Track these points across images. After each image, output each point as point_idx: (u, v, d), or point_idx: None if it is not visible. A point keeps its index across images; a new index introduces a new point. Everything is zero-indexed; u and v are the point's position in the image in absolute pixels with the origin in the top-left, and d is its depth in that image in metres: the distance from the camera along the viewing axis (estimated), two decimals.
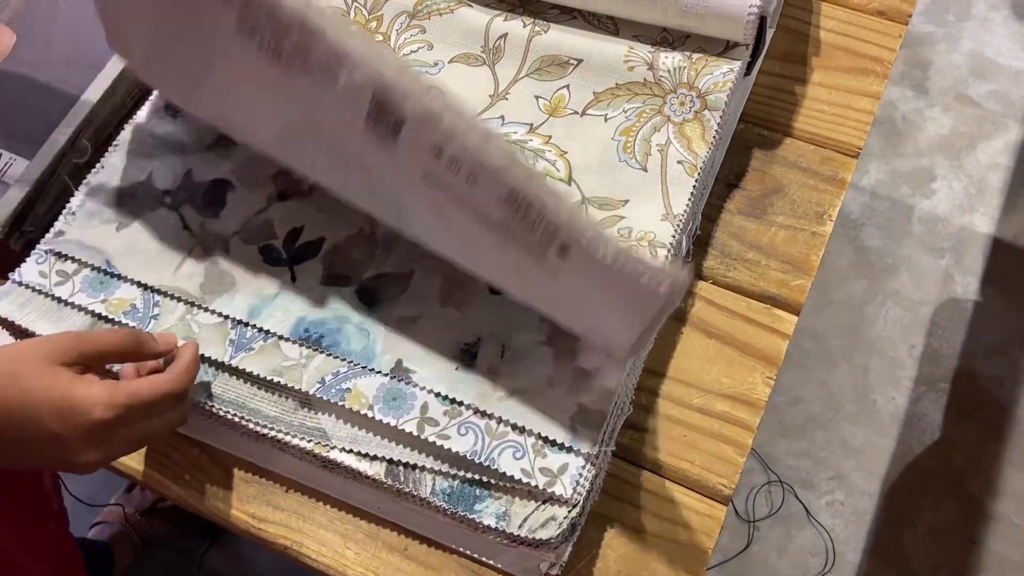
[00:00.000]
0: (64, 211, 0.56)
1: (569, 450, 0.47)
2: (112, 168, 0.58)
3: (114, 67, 0.61)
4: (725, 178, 0.59)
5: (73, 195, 0.60)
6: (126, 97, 0.62)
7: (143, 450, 0.52)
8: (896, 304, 1.36)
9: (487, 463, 0.46)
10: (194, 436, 0.52)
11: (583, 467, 0.47)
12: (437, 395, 0.48)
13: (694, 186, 0.53)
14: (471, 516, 0.46)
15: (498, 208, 0.42)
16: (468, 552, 0.49)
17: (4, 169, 0.58)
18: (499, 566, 0.48)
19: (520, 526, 0.45)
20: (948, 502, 1.22)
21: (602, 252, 0.40)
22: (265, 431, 0.49)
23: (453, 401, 0.48)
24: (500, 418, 0.47)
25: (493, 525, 0.46)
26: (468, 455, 0.47)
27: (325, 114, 0.45)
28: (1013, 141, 1.49)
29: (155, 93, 0.60)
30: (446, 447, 0.47)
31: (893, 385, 1.29)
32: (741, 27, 0.53)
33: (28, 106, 0.60)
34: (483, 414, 0.48)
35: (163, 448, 0.52)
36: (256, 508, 0.51)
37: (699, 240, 0.57)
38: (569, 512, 0.46)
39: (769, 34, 0.60)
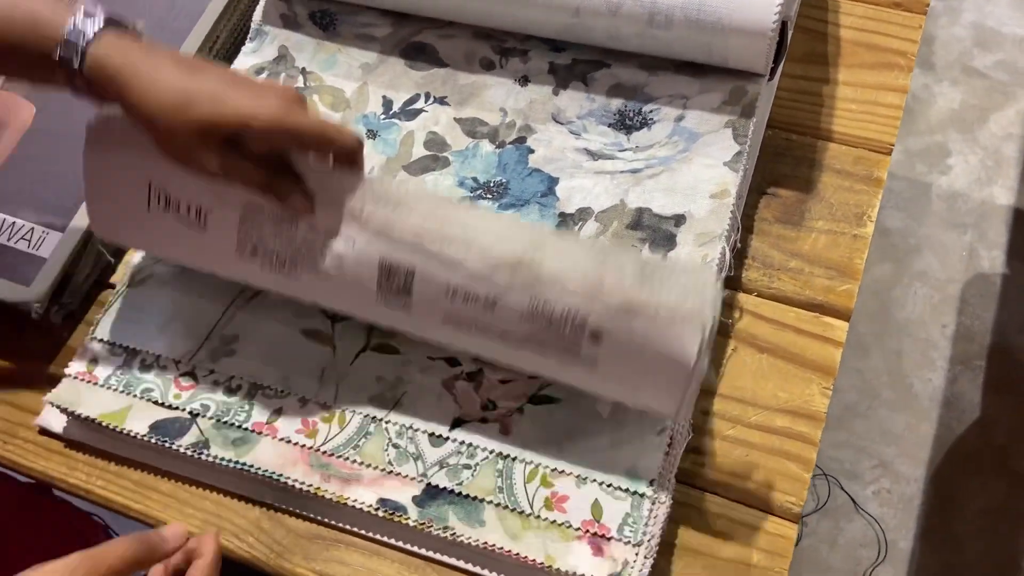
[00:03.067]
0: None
1: (633, 493, 0.48)
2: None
3: None
4: (758, 187, 0.59)
5: (107, 261, 0.60)
6: None
7: (203, 518, 0.52)
8: (923, 284, 1.34)
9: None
10: (254, 496, 0.52)
11: (650, 508, 0.47)
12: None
13: (733, 203, 0.53)
14: (550, 564, 0.46)
15: (522, 324, 0.45)
16: None
17: (38, 244, 0.58)
18: None
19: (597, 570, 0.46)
20: (995, 481, 1.20)
21: (626, 332, 0.44)
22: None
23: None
24: (561, 470, 0.49)
25: (575, 571, 0.46)
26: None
27: (335, 293, 0.49)
28: (1023, 108, 1.48)
29: None
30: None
31: (928, 367, 1.28)
32: (766, 41, 0.53)
33: (54, 176, 0.60)
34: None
35: (223, 513, 0.52)
36: (322, 565, 0.50)
37: (739, 252, 0.57)
38: (638, 552, 0.46)
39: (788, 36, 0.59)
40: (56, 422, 0.55)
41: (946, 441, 1.24)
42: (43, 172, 0.61)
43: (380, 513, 0.49)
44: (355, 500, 0.49)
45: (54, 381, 0.56)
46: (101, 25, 0.46)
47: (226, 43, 0.66)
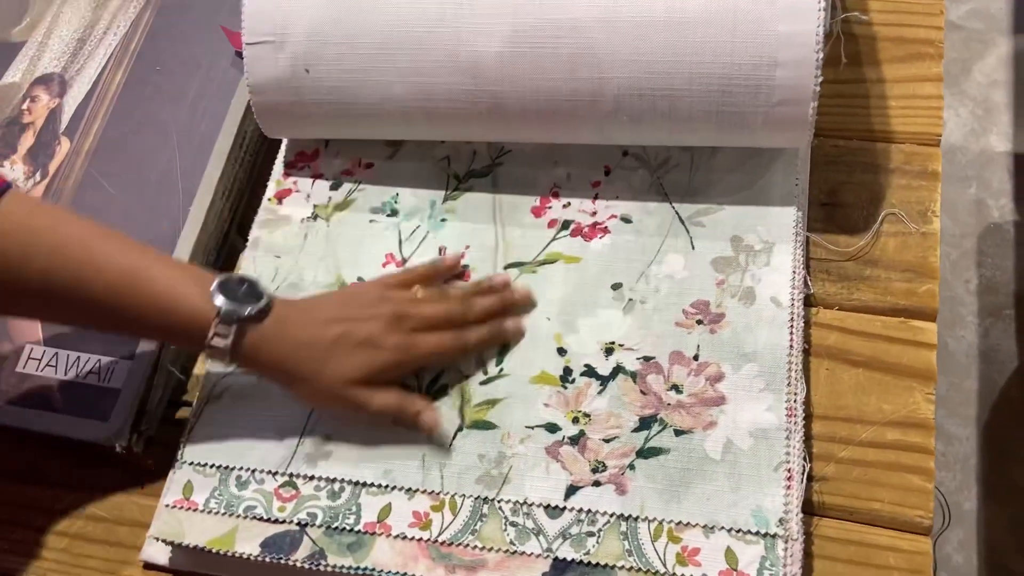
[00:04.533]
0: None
1: (764, 535, 0.47)
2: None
3: (187, 239, 0.60)
4: (817, 199, 0.59)
5: (178, 379, 0.59)
6: (203, 264, 0.61)
7: None
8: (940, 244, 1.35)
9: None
10: None
11: (784, 547, 0.47)
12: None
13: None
14: None
15: None
16: None
17: (107, 376, 0.57)
18: None
19: None
20: None
21: None
22: None
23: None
24: (686, 522, 0.49)
25: None
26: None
27: None
28: (1004, 54, 1.49)
29: None
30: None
31: (959, 324, 1.29)
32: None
33: None
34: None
35: None
36: None
37: (812, 268, 0.56)
38: None
39: None
40: (161, 555, 0.54)
41: (990, 395, 1.24)
42: None
43: None
44: None
45: (147, 512, 0.55)
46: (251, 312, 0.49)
47: (253, 137, 0.65)
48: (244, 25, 0.58)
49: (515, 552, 0.49)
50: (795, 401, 0.51)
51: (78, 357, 0.58)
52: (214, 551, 0.51)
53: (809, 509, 0.50)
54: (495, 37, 0.54)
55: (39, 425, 0.56)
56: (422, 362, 0.53)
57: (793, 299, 0.54)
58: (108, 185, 0.63)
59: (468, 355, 0.55)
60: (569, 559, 0.49)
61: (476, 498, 0.51)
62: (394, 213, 0.61)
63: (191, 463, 0.54)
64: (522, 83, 0.55)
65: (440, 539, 0.50)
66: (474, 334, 0.54)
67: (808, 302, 0.55)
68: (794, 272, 0.54)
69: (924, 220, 0.57)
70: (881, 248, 0.57)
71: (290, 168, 0.64)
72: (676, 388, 0.53)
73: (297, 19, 0.57)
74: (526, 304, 0.56)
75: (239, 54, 0.66)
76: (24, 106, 0.67)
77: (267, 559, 0.51)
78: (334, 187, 0.63)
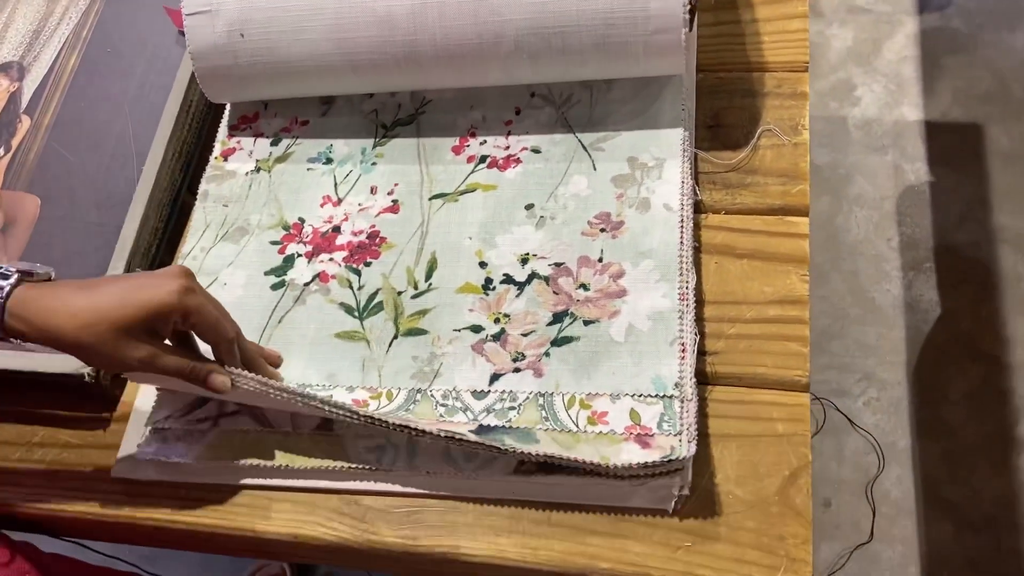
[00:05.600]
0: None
1: (662, 397, 0.54)
2: None
3: (141, 196, 0.66)
4: (703, 122, 0.66)
5: None
6: (157, 220, 0.67)
7: (287, 517, 0.57)
8: (861, 208, 1.44)
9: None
10: (329, 487, 0.57)
11: (680, 406, 0.54)
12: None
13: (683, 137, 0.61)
14: (605, 462, 0.52)
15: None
16: (605, 503, 0.54)
17: None
18: (638, 504, 0.53)
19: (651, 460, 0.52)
20: (970, 366, 1.29)
21: None
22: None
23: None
24: (595, 393, 0.55)
25: (630, 462, 0.51)
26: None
27: None
28: (911, 32, 1.60)
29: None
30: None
31: (884, 279, 1.37)
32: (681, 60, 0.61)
33: (74, 256, 0.65)
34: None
35: (302, 509, 0.57)
36: (408, 529, 0.55)
37: (700, 179, 0.64)
38: (680, 439, 0.52)
39: None
40: (130, 470, 0.60)
41: (917, 341, 1.33)
42: (62, 252, 0.65)
43: (443, 435, 0.53)
44: (417, 427, 0.53)
45: (117, 435, 0.60)
46: (13, 283, 0.50)
47: (199, 105, 0.72)
48: None
49: (445, 422, 0.56)
50: (687, 288, 0.58)
51: None
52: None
53: (704, 380, 0.57)
54: None
55: (14, 364, 0.61)
56: (206, 324, 0.53)
57: (683, 204, 0.61)
58: (68, 154, 0.69)
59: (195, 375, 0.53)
60: (492, 425, 0.55)
61: (411, 389, 0.57)
62: (329, 161, 0.68)
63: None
64: (432, 31, 0.62)
65: (377, 415, 0.56)
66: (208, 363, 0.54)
67: (698, 209, 0.63)
68: (683, 182, 0.62)
69: (795, 133, 0.65)
70: (760, 159, 0.64)
71: (233, 130, 0.71)
72: (584, 287, 0.59)
73: None
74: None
75: (182, 32, 0.72)
76: None
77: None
78: (274, 143, 0.70)
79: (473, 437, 0.53)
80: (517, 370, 0.57)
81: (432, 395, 0.57)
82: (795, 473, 0.54)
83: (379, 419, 0.53)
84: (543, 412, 0.55)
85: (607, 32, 0.60)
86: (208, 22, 0.65)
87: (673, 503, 0.53)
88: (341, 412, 0.53)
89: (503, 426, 0.55)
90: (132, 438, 0.60)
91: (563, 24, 0.60)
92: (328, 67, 0.65)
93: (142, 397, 0.61)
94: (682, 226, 0.60)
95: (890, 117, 1.53)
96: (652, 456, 0.52)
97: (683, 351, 0.56)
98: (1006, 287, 1.35)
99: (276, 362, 0.60)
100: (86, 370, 0.61)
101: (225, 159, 0.70)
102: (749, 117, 0.66)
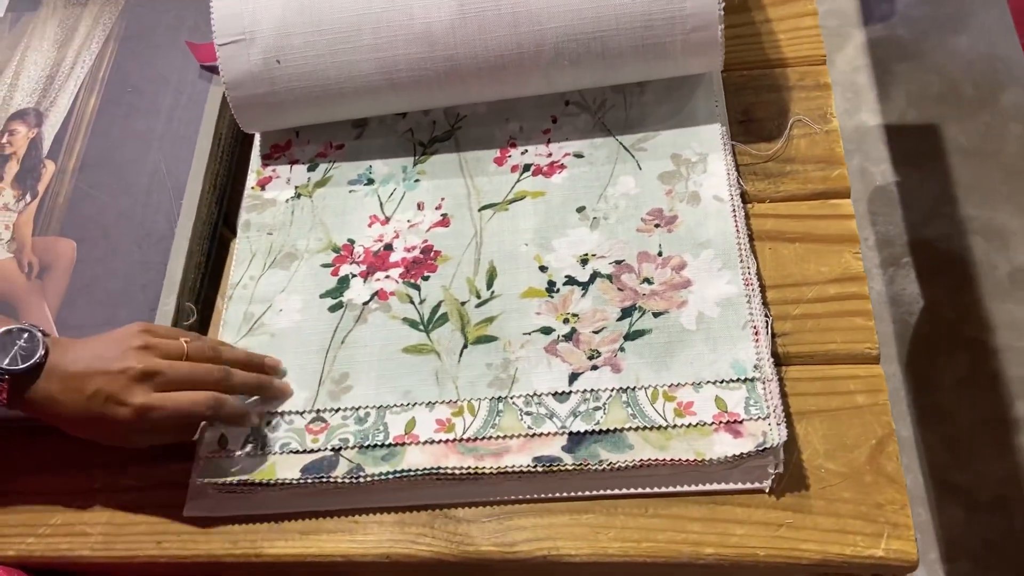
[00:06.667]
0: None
1: (744, 380, 0.55)
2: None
3: (184, 231, 0.65)
4: (735, 118, 0.68)
5: None
6: (200, 255, 0.66)
7: (375, 539, 0.56)
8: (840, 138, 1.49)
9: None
10: (415, 503, 0.56)
11: (763, 387, 0.55)
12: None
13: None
14: (701, 458, 0.52)
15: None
16: (702, 488, 0.54)
17: None
18: (733, 486, 0.54)
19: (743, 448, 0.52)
20: (958, 353, 1.34)
21: None
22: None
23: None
24: (677, 383, 0.56)
25: (725, 455, 0.52)
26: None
27: None
28: (860, 43, 1.67)
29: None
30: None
31: (867, 277, 1.41)
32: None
33: (119, 295, 0.63)
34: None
35: (389, 529, 0.56)
36: (502, 536, 0.55)
37: (743, 170, 0.65)
38: (769, 423, 0.53)
39: None
40: (204, 506, 0.58)
41: (905, 333, 1.37)
42: (107, 294, 0.64)
43: (539, 469, 0.54)
44: (513, 466, 0.54)
45: (179, 474, 0.59)
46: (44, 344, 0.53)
47: (228, 136, 0.71)
48: (215, 28, 0.64)
49: (534, 434, 0.55)
50: (749, 273, 0.59)
51: None
52: (259, 482, 0.55)
53: (777, 361, 0.58)
54: (443, 7, 0.63)
55: None
56: (171, 421, 0.53)
57: (731, 194, 0.63)
58: (99, 195, 0.67)
59: (221, 417, 0.55)
60: (582, 431, 0.55)
61: (492, 399, 0.57)
62: (371, 182, 0.68)
63: None
64: (472, 44, 0.63)
65: (465, 437, 0.56)
66: (231, 399, 0.56)
67: (744, 199, 0.64)
68: (728, 173, 0.63)
69: (825, 121, 0.67)
70: (794, 148, 0.66)
71: (267, 159, 0.70)
72: (647, 281, 0.60)
73: (263, 16, 0.64)
74: (283, 395, 0.59)
75: (205, 67, 0.72)
76: (3, 140, 0.71)
77: (309, 480, 0.55)
78: (311, 168, 0.69)
79: (570, 462, 0.54)
80: (595, 367, 0.57)
81: (514, 403, 0.57)
82: (881, 441, 0.55)
83: (474, 469, 0.54)
84: (629, 409, 0.55)
85: (645, 33, 0.62)
86: (243, 51, 0.64)
87: (769, 483, 0.53)
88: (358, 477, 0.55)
89: (593, 431, 0.55)
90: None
91: (602, 29, 0.62)
92: (367, 88, 0.65)
93: (208, 436, 0.59)
94: (735, 215, 0.62)
95: (851, 124, 1.59)
96: (746, 446, 0.53)
97: (756, 333, 0.57)
98: (981, 274, 1.40)
99: (273, 370, 0.60)
100: None
101: (263, 188, 0.69)
102: (778, 110, 0.68)
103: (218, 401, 0.54)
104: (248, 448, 0.57)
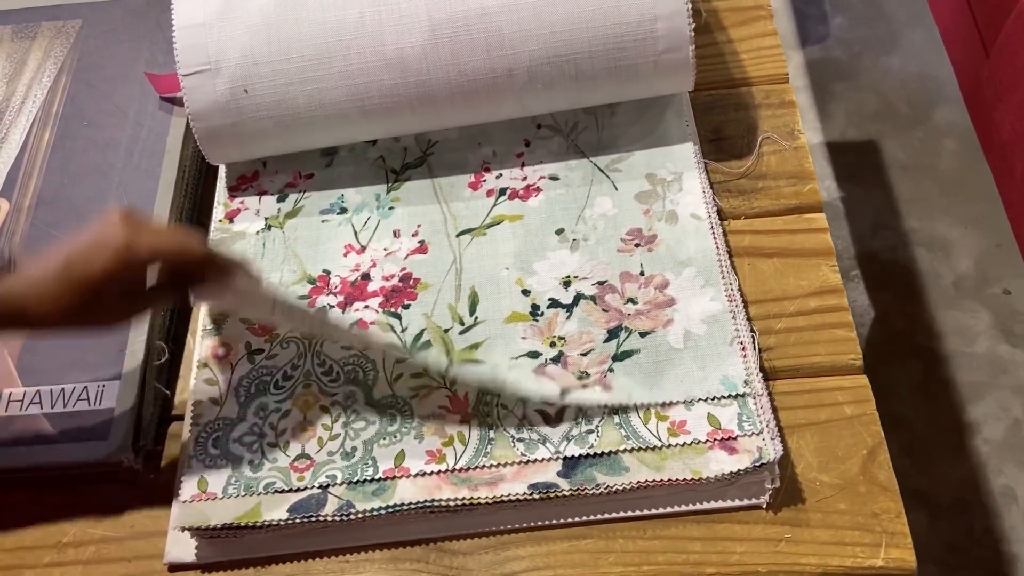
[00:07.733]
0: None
1: (735, 396, 0.55)
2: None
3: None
4: (705, 136, 0.69)
5: (164, 394, 0.61)
6: None
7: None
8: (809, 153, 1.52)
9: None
10: (409, 538, 0.55)
11: (754, 402, 0.55)
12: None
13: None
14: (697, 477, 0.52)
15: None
16: (699, 506, 0.54)
17: (98, 398, 0.58)
18: (730, 503, 0.54)
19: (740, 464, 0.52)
20: (911, 361, 1.37)
21: None
22: None
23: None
24: (668, 402, 0.56)
25: (722, 472, 0.52)
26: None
27: None
28: (798, 64, 1.72)
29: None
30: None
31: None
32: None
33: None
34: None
35: (384, 565, 0.54)
36: (500, 568, 0.53)
37: (715, 189, 0.66)
38: (763, 437, 0.53)
39: None
40: (185, 552, 0.55)
41: (859, 344, 1.39)
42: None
43: (536, 496, 0.53)
44: (509, 495, 0.53)
45: (159, 521, 0.56)
46: None
47: (191, 170, 0.69)
48: (178, 59, 0.63)
49: (528, 461, 0.54)
50: (732, 289, 0.60)
51: (61, 389, 0.59)
52: (243, 524, 0.53)
53: (764, 375, 0.58)
54: (415, 32, 0.62)
55: (37, 459, 0.56)
56: (160, 255, 0.50)
57: (709, 212, 0.63)
58: (58, 232, 0.65)
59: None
60: (577, 455, 0.54)
61: (482, 429, 0.56)
62: (343, 211, 0.67)
63: (199, 456, 0.56)
64: (446, 69, 0.62)
65: (458, 467, 0.55)
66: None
67: (720, 216, 0.65)
68: (704, 191, 0.64)
69: (793, 137, 0.68)
70: (765, 164, 0.67)
71: (234, 191, 0.68)
72: (632, 300, 0.60)
73: (229, 45, 0.63)
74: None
75: (164, 98, 0.70)
76: None
77: (297, 520, 0.53)
78: (281, 199, 0.68)
79: (566, 487, 0.53)
80: (584, 387, 0.57)
81: (505, 429, 0.56)
82: (872, 451, 0.56)
83: (468, 500, 0.53)
84: (622, 431, 0.55)
85: (618, 55, 0.62)
86: (208, 81, 0.63)
87: (767, 498, 0.53)
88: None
89: (588, 454, 0.54)
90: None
91: (575, 51, 0.62)
92: (338, 115, 0.64)
93: (187, 480, 0.56)
94: (713, 232, 0.62)
95: None
96: (742, 462, 0.53)
97: (744, 349, 0.57)
98: (928, 284, 1.44)
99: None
100: (124, 455, 0.56)
101: (231, 220, 0.67)
102: (747, 128, 0.69)
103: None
104: (230, 490, 0.55)
